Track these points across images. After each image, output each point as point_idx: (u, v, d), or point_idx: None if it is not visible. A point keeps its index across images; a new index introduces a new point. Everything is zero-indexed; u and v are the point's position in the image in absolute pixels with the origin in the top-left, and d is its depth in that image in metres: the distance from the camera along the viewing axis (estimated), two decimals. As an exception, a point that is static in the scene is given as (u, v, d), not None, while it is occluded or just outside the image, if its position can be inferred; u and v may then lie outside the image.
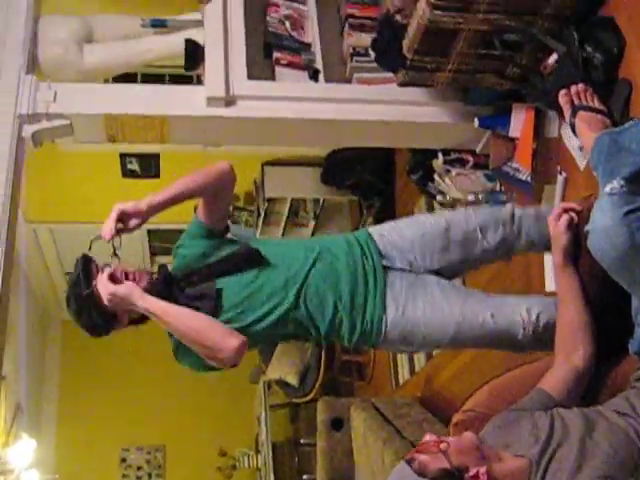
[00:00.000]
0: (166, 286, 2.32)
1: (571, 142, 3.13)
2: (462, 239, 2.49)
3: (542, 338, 2.34)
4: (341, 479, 4.91)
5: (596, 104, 2.45)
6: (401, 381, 5.58)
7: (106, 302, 2.21)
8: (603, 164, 1.89)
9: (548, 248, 2.38)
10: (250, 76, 3.57)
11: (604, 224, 1.75)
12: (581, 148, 3.05)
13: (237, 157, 5.96)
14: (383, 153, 5.67)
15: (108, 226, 2.20)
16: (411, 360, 5.38)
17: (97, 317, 2.27)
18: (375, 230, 2.53)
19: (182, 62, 3.74)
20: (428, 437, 1.75)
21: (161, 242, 7.14)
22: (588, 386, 2.00)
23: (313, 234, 6.34)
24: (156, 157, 5.97)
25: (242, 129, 3.50)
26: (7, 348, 3.34)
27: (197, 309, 2.27)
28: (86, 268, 2.26)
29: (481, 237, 2.49)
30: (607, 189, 1.78)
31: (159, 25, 3.77)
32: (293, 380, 6.57)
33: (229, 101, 3.42)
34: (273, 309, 2.33)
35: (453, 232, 2.49)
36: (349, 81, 3.81)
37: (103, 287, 2.21)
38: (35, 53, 3.56)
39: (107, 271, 2.24)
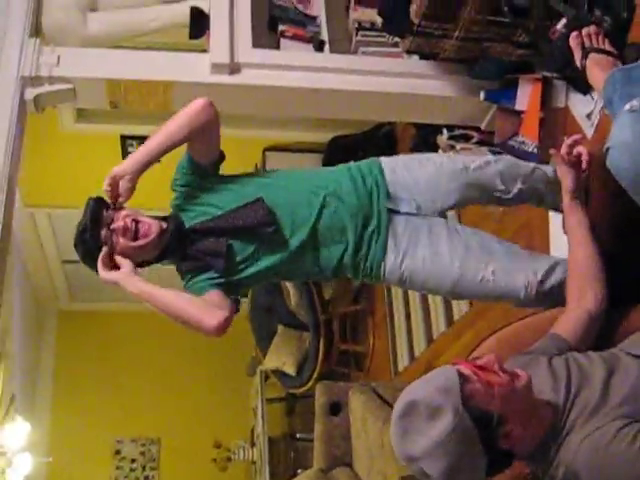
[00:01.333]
0: (177, 238, 2.32)
1: (578, 110, 3.11)
2: (478, 184, 2.45)
3: (545, 299, 2.31)
4: (339, 464, 4.84)
5: (607, 47, 2.42)
6: (400, 369, 5.53)
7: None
8: (619, 91, 1.86)
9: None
10: (255, 47, 3.54)
11: (624, 140, 1.70)
12: (589, 116, 3.03)
13: (239, 142, 5.95)
14: (385, 139, 5.64)
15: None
16: (411, 347, 5.34)
17: None
18: (388, 163, 2.47)
19: (186, 34, 3.72)
20: (492, 357, 1.62)
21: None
22: (602, 332, 1.96)
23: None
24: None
25: (245, 97, 3.46)
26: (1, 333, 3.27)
27: (207, 264, 2.29)
28: (95, 214, 2.28)
29: (500, 185, 2.45)
30: (626, 107, 1.73)
31: (165, -7, 3.74)
32: (290, 370, 6.52)
33: (233, 68, 3.39)
34: (280, 259, 2.34)
35: (468, 175, 2.44)
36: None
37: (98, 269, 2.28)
38: (40, 18, 3.52)
39: (102, 253, 2.26)
